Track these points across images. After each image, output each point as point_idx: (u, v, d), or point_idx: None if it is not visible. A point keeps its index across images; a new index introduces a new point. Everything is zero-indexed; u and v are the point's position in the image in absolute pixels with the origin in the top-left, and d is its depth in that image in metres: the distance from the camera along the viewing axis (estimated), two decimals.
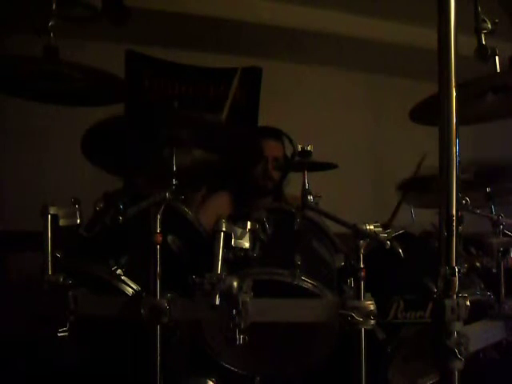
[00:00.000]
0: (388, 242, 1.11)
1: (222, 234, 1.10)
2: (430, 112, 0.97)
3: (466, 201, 1.37)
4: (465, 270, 1.38)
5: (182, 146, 1.36)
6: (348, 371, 1.11)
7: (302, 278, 1.24)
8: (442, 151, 0.83)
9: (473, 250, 1.53)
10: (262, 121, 3.05)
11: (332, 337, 1.28)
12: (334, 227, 1.51)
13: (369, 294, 1.11)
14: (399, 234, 1.54)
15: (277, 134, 2.15)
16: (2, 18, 2.23)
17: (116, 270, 1.24)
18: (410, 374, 1.33)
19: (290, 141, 2.02)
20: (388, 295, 1.34)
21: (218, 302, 1.03)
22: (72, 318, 1.13)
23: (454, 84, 0.82)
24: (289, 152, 2.05)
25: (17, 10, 2.07)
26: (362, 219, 1.13)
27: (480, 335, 1.24)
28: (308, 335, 1.30)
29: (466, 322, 0.83)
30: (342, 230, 1.19)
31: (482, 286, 1.49)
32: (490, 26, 0.99)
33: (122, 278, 1.24)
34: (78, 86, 1.30)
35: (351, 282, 1.29)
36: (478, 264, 1.43)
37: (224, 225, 1.11)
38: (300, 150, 1.45)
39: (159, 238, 1.14)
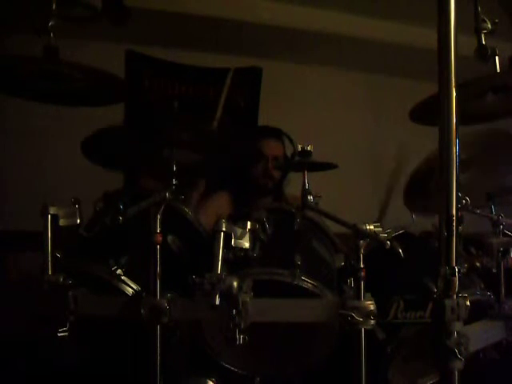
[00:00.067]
0: (388, 242, 1.11)
1: (222, 233, 1.10)
2: (430, 112, 0.97)
3: (466, 201, 1.37)
4: (465, 269, 1.38)
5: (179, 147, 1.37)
6: (348, 371, 1.11)
7: (302, 278, 1.24)
8: (442, 151, 0.83)
9: (473, 250, 1.53)
10: (262, 121, 3.05)
11: (332, 337, 1.28)
12: (333, 227, 1.51)
13: (369, 294, 1.11)
14: (399, 234, 1.54)
15: (277, 134, 2.15)
16: (2, 18, 2.23)
17: (116, 269, 1.24)
18: (410, 373, 1.33)
19: (290, 140, 2.03)
20: (388, 295, 1.34)
21: (217, 301, 1.03)
22: (72, 318, 1.13)
23: (454, 84, 0.82)
24: (289, 152, 2.05)
25: (17, 10, 2.07)
26: (362, 219, 1.13)
27: (480, 335, 1.24)
28: (308, 335, 1.30)
29: (466, 322, 0.83)
30: (342, 229, 1.19)
31: (482, 285, 1.49)
32: (489, 26, 0.99)
33: (122, 278, 1.24)
34: (78, 86, 1.30)
35: (351, 281, 1.29)
36: (478, 264, 1.43)
37: (224, 225, 1.11)
38: (300, 149, 1.45)
39: (159, 238, 1.14)
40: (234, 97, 3.09)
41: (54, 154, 2.59)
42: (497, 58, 1.06)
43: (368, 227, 1.10)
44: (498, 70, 1.10)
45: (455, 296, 0.81)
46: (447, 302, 0.81)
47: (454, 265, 0.80)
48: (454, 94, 0.82)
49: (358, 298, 1.09)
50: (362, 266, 1.09)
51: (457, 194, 0.81)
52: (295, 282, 1.23)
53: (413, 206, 1.74)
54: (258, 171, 2.12)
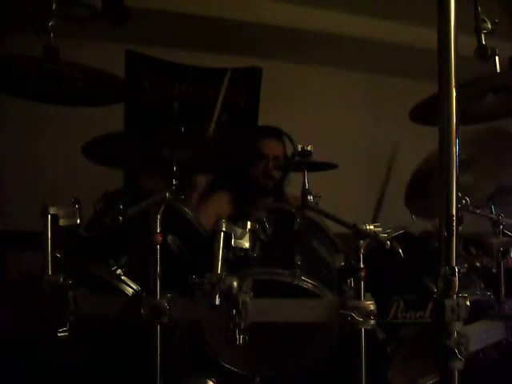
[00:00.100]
0: (388, 242, 1.11)
1: (222, 233, 1.10)
2: (430, 112, 0.97)
3: (466, 201, 1.37)
4: (465, 270, 1.38)
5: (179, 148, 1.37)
6: (348, 371, 1.11)
7: (302, 278, 1.24)
8: (442, 151, 0.83)
9: (473, 250, 1.53)
10: (262, 121, 3.05)
11: (332, 337, 1.28)
12: (333, 227, 1.51)
13: (369, 294, 1.11)
14: (399, 234, 1.54)
15: (277, 134, 2.15)
16: (2, 18, 2.23)
17: (116, 269, 1.24)
18: (410, 373, 1.33)
19: (291, 140, 2.03)
20: (388, 295, 1.34)
21: (218, 301, 1.03)
22: (72, 318, 1.13)
23: (454, 84, 0.82)
24: (289, 152, 2.05)
25: (17, 10, 2.07)
26: (362, 219, 1.13)
27: (480, 335, 1.24)
28: (308, 335, 1.30)
29: (466, 322, 0.83)
30: (342, 229, 1.19)
31: (482, 285, 1.49)
32: (489, 25, 0.99)
33: (122, 278, 1.24)
34: (78, 86, 1.30)
35: (351, 281, 1.29)
36: (478, 264, 1.43)
37: (224, 225, 1.11)
38: (300, 149, 1.45)
39: (159, 238, 1.14)
40: (233, 97, 3.10)
41: (54, 153, 2.59)
42: (497, 57, 1.06)
43: (368, 227, 1.10)
44: (498, 70, 1.10)
45: (455, 296, 0.81)
46: (447, 302, 0.81)
47: (454, 265, 0.80)
48: (454, 93, 0.82)
49: (358, 297, 1.09)
50: (362, 265, 1.09)
51: (457, 194, 0.81)
52: (295, 282, 1.23)
53: (413, 206, 1.74)
54: (258, 171, 2.12)
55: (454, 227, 0.81)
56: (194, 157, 1.50)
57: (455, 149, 0.82)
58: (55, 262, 1.13)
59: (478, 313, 1.20)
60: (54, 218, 1.13)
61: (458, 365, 0.82)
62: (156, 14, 2.54)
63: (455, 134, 0.82)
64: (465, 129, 0.97)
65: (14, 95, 1.41)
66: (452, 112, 0.82)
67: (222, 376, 1.33)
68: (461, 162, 0.83)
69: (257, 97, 3.11)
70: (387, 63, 3.03)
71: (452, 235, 0.81)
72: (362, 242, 1.10)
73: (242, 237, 1.14)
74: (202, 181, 2.07)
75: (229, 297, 1.05)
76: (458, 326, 0.82)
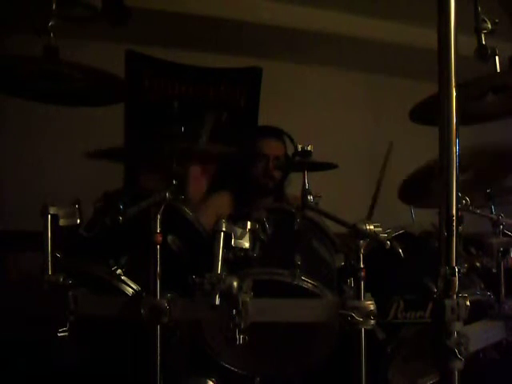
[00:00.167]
0: (388, 242, 1.11)
1: (222, 234, 1.10)
2: (430, 112, 0.97)
3: (466, 201, 1.37)
4: (465, 269, 1.38)
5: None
6: (348, 371, 1.11)
7: (302, 278, 1.24)
8: (442, 151, 0.83)
9: (473, 250, 1.53)
10: (262, 121, 3.05)
11: (332, 337, 1.28)
12: (333, 227, 1.51)
13: (369, 294, 1.11)
14: (399, 233, 1.54)
15: (278, 134, 2.15)
16: (2, 18, 2.23)
17: (116, 269, 1.24)
18: (410, 373, 1.33)
19: (291, 140, 2.03)
20: (388, 295, 1.34)
21: (218, 301, 1.03)
22: (72, 317, 1.13)
23: (454, 84, 0.82)
24: (290, 152, 2.05)
25: (17, 10, 2.07)
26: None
27: (480, 335, 1.24)
28: (308, 335, 1.30)
29: (466, 322, 0.83)
30: (342, 229, 1.19)
31: (482, 285, 1.49)
32: (490, 25, 0.99)
33: (122, 278, 1.24)
34: (78, 86, 1.30)
35: (351, 281, 1.29)
36: (478, 264, 1.43)
37: (224, 225, 1.11)
38: (300, 149, 1.45)
39: (159, 238, 1.14)
40: (233, 97, 3.10)
41: (54, 153, 2.59)
42: (497, 57, 1.06)
43: (368, 227, 1.10)
44: (498, 70, 1.10)
45: (455, 296, 0.81)
46: (447, 302, 0.81)
47: (454, 265, 0.80)
48: (454, 93, 0.82)
49: (358, 297, 1.09)
50: (362, 265, 1.09)
51: (457, 194, 0.81)
52: (295, 282, 1.23)
53: (409, 199, 1.73)
54: (258, 171, 2.12)
55: (454, 227, 0.81)
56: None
57: (455, 149, 0.82)
58: (55, 262, 1.13)
59: (478, 313, 1.20)
60: (54, 217, 1.13)
61: (458, 365, 0.82)
62: (156, 14, 2.54)
63: (455, 134, 0.82)
64: (465, 129, 0.97)
65: (14, 95, 1.41)
66: (452, 112, 0.82)
67: (222, 376, 1.33)
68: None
69: (257, 97, 3.12)
70: (387, 63, 3.03)
71: (452, 235, 0.81)
72: (361, 242, 1.10)
73: (242, 237, 1.14)
74: (196, 170, 2.05)
75: (229, 297, 1.05)
76: (458, 326, 0.82)
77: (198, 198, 2.04)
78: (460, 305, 0.81)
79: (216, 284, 1.03)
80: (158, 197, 1.17)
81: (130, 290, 1.23)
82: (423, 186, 1.57)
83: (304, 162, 1.45)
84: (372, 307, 1.08)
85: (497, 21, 0.99)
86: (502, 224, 1.48)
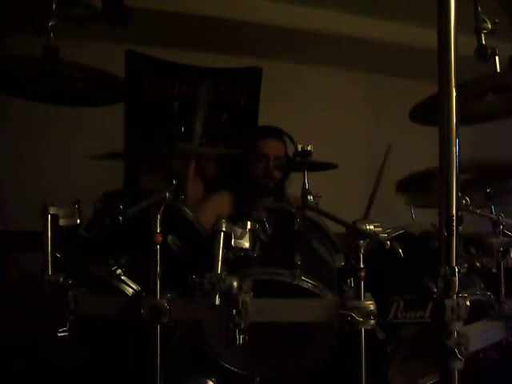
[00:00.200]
0: (388, 242, 1.11)
1: (222, 233, 1.10)
2: (430, 112, 0.97)
3: (466, 201, 1.37)
4: (465, 269, 1.38)
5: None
6: (348, 371, 1.11)
7: (302, 278, 1.24)
8: (442, 151, 0.83)
9: (473, 250, 1.53)
10: (262, 121, 3.05)
11: (332, 337, 1.28)
12: (333, 227, 1.51)
13: (369, 294, 1.11)
14: (399, 233, 1.54)
15: (278, 134, 2.15)
16: (2, 18, 2.23)
17: (116, 270, 1.24)
18: (410, 373, 1.33)
19: (292, 140, 2.03)
20: (388, 295, 1.34)
21: (218, 301, 1.03)
22: (72, 317, 1.13)
23: (454, 84, 0.82)
24: (291, 152, 2.05)
25: (17, 10, 2.07)
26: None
27: (480, 335, 1.24)
28: (308, 335, 1.30)
29: (466, 322, 0.83)
30: (342, 230, 1.19)
31: (482, 285, 1.49)
32: (490, 25, 0.99)
33: (122, 278, 1.24)
34: (78, 86, 1.30)
35: (351, 282, 1.29)
36: (478, 264, 1.42)
37: (224, 225, 1.11)
38: (300, 149, 1.45)
39: (159, 238, 1.14)
40: (233, 97, 3.10)
41: (54, 153, 2.59)
42: (497, 57, 1.06)
43: (368, 227, 1.10)
44: (498, 70, 1.10)
45: (455, 296, 0.81)
46: (447, 302, 0.81)
47: (454, 265, 0.80)
48: (454, 93, 0.82)
49: (358, 297, 1.09)
50: (362, 266, 1.09)
51: (457, 194, 0.81)
52: (295, 282, 1.23)
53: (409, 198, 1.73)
54: (258, 171, 2.12)
55: (454, 227, 0.81)
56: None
57: (455, 149, 0.82)
58: (55, 262, 1.13)
59: (478, 313, 1.20)
60: (54, 217, 1.13)
61: (458, 365, 0.82)
62: (156, 14, 2.54)
63: (455, 133, 0.82)
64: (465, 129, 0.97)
65: (14, 95, 1.41)
66: (452, 112, 0.82)
67: (222, 376, 1.33)
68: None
69: (257, 97, 3.12)
70: (387, 63, 3.03)
71: (452, 235, 0.81)
72: (361, 242, 1.10)
73: (242, 237, 1.13)
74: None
75: (229, 297, 1.05)
76: (458, 326, 0.82)
77: (195, 197, 2.04)
78: (460, 305, 0.81)
79: (216, 284, 1.03)
80: (158, 197, 1.17)
81: (130, 290, 1.23)
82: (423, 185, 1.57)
83: (304, 162, 1.45)
84: (372, 307, 1.08)
85: (497, 21, 0.99)
86: (502, 224, 1.48)
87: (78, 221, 1.17)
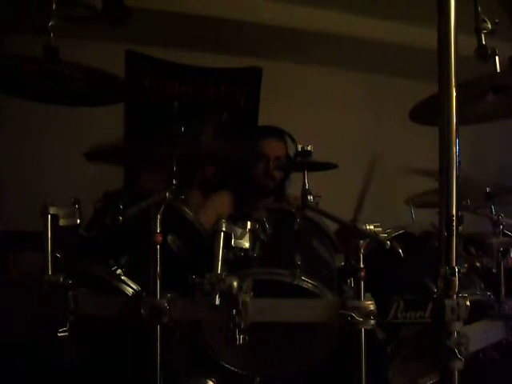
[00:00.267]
0: (388, 242, 1.11)
1: (222, 233, 1.10)
2: (430, 112, 0.97)
3: (466, 201, 1.37)
4: (465, 269, 1.38)
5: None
6: (348, 371, 1.11)
7: (302, 278, 1.24)
8: (442, 151, 0.83)
9: (473, 250, 1.53)
10: (262, 121, 3.06)
11: (332, 337, 1.28)
12: (334, 227, 1.51)
13: (369, 294, 1.11)
14: (399, 233, 1.54)
15: (279, 134, 2.15)
16: (2, 18, 2.23)
17: (116, 269, 1.24)
18: (410, 373, 1.33)
19: (292, 140, 2.03)
20: (388, 295, 1.34)
21: (218, 301, 1.03)
22: (72, 317, 1.13)
23: (454, 84, 0.82)
24: (291, 152, 2.05)
25: (17, 10, 2.07)
26: (362, 219, 1.12)
27: (480, 335, 1.24)
28: (308, 335, 1.30)
29: (466, 322, 0.83)
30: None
31: (482, 285, 1.49)
32: (490, 25, 0.99)
33: (122, 278, 1.24)
34: (78, 86, 1.30)
35: (351, 282, 1.29)
36: (478, 264, 1.43)
37: (224, 225, 1.11)
38: (300, 149, 1.45)
39: (159, 238, 1.14)
40: (233, 97, 3.10)
41: (54, 153, 2.60)
42: (497, 57, 1.06)
43: (368, 227, 1.10)
44: (498, 70, 1.09)
45: (455, 296, 0.81)
46: (447, 302, 0.81)
47: (454, 265, 0.80)
48: (454, 93, 0.82)
49: (358, 297, 1.09)
50: (362, 266, 1.09)
51: (457, 194, 0.81)
52: (295, 282, 1.23)
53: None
54: (258, 171, 2.12)
55: (454, 227, 0.81)
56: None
57: (455, 149, 0.82)
58: (55, 262, 1.13)
59: (478, 313, 1.20)
60: (54, 217, 1.13)
61: (458, 365, 0.82)
62: (156, 14, 2.54)
63: (455, 134, 0.82)
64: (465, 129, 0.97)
65: (14, 95, 1.41)
66: (452, 112, 0.82)
67: (222, 376, 1.33)
68: None
69: (257, 97, 3.12)
70: (387, 63, 3.03)
71: (452, 235, 0.81)
72: (361, 242, 1.10)
73: (242, 237, 1.13)
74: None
75: (229, 297, 1.05)
76: (458, 326, 0.82)
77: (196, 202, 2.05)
78: (460, 305, 0.81)
79: (216, 284, 1.03)
80: (158, 197, 1.17)
81: (130, 290, 1.23)
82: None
83: (304, 162, 1.45)
84: (372, 307, 1.08)
85: (497, 21, 0.99)
86: (502, 224, 1.48)
87: (78, 221, 1.17)
